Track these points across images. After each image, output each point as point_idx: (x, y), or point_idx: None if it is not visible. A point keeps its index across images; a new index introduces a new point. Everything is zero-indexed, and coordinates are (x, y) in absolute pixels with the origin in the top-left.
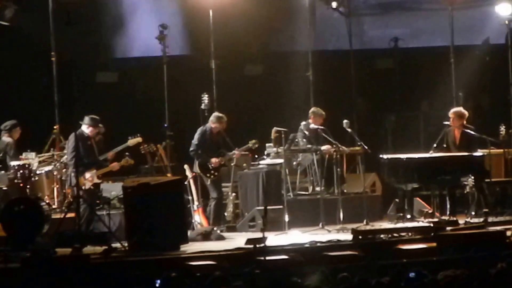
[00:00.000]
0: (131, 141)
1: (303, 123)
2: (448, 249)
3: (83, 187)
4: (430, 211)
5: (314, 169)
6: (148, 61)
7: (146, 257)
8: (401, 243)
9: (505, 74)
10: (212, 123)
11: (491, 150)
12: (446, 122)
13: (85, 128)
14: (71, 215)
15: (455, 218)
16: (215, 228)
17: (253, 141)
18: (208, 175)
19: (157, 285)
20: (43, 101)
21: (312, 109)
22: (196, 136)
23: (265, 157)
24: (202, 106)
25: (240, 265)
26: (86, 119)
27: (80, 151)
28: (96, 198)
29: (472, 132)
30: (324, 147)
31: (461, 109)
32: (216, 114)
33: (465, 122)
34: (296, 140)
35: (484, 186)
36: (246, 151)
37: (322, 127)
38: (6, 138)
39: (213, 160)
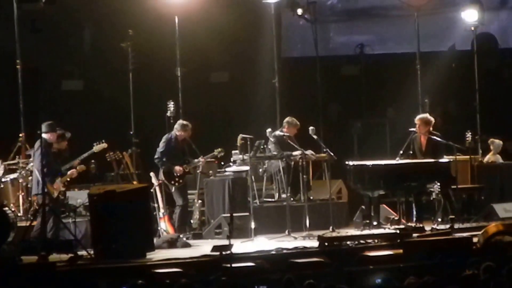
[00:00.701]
0: (97, 147)
1: (269, 130)
2: (415, 255)
3: (52, 195)
4: (396, 218)
5: (280, 176)
6: (113, 69)
7: (112, 264)
8: (368, 250)
9: (471, 81)
10: (177, 130)
11: (458, 157)
12: (412, 129)
13: (45, 136)
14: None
15: (421, 225)
16: (181, 236)
17: (219, 149)
18: (172, 182)
19: None
20: (8, 109)
21: (287, 119)
22: (161, 144)
23: (231, 164)
24: (168, 114)
25: (206, 272)
26: (43, 126)
27: (48, 159)
28: (61, 206)
29: (438, 139)
30: (296, 153)
31: (427, 115)
32: (180, 122)
33: (431, 128)
34: (262, 147)
35: (450, 193)
36: (211, 158)
37: (287, 134)
38: None
39: (177, 168)
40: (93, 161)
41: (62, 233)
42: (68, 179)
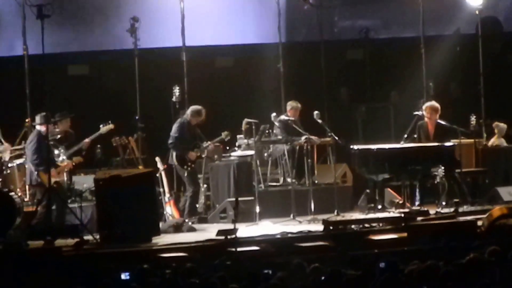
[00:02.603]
0: (104, 129)
1: (273, 114)
2: (419, 239)
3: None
4: (400, 202)
5: (285, 160)
6: (119, 54)
7: (117, 249)
8: (372, 233)
9: (475, 64)
10: (191, 116)
11: (462, 140)
12: (417, 113)
13: (39, 128)
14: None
15: (425, 209)
16: (186, 220)
17: (226, 132)
18: (185, 167)
19: (124, 277)
20: (15, 94)
21: (290, 102)
22: (175, 128)
23: (236, 148)
24: (173, 99)
25: (211, 256)
26: (37, 118)
27: (42, 150)
28: (56, 195)
29: (445, 123)
30: (303, 138)
31: (435, 103)
32: (195, 107)
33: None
34: (267, 131)
35: (457, 176)
36: (218, 142)
37: (292, 118)
38: None
39: (191, 154)
40: (98, 146)
41: (68, 217)
42: (67, 170)
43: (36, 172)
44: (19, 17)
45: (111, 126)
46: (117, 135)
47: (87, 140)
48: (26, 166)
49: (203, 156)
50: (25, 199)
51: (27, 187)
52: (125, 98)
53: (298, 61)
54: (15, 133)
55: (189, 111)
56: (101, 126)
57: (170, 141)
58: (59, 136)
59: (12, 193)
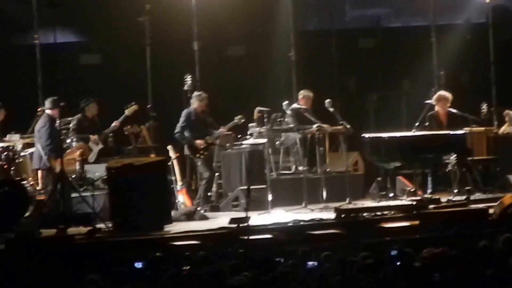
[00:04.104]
0: (129, 110)
1: (285, 103)
2: (431, 227)
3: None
4: (412, 190)
5: (297, 148)
6: (131, 43)
7: (130, 237)
8: (384, 221)
9: (486, 53)
10: (194, 103)
11: (473, 128)
12: (428, 101)
13: (49, 112)
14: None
15: (437, 196)
16: (198, 208)
17: (239, 116)
18: (197, 155)
19: (138, 266)
20: (26, 84)
21: (302, 91)
22: (182, 118)
23: (248, 137)
24: (185, 87)
25: (223, 244)
26: (47, 102)
27: (52, 135)
28: (78, 179)
29: (456, 111)
30: (315, 126)
31: (446, 92)
32: (195, 93)
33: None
34: (279, 120)
35: (469, 164)
36: (232, 127)
37: (304, 107)
38: None
39: (198, 141)
40: (111, 134)
41: (80, 206)
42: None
43: (46, 157)
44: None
45: (135, 106)
46: (129, 124)
47: (116, 123)
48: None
49: (216, 143)
50: (38, 188)
51: (39, 174)
52: (137, 87)
53: (309, 50)
54: (28, 122)
55: (192, 100)
56: (125, 108)
57: (176, 131)
58: (71, 124)
59: (24, 182)
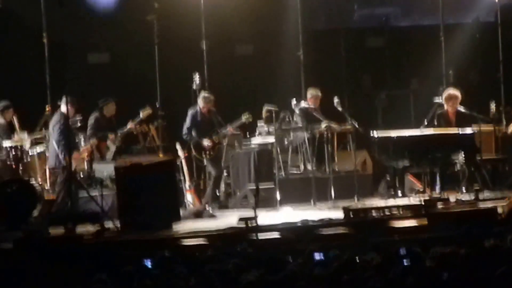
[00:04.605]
0: (143, 114)
1: (293, 102)
2: (440, 226)
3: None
4: (421, 189)
5: (305, 147)
6: (139, 42)
7: (138, 236)
8: (393, 220)
9: (495, 52)
10: (200, 104)
11: (482, 127)
12: (437, 100)
13: (64, 110)
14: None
15: (446, 195)
16: (207, 207)
17: (246, 114)
18: (204, 155)
19: (147, 264)
20: (34, 82)
21: (310, 90)
22: (188, 119)
23: (256, 136)
24: (194, 86)
25: (232, 243)
26: (62, 100)
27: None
28: (86, 178)
29: (464, 110)
30: (324, 125)
31: (455, 90)
32: (201, 94)
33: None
34: (287, 119)
35: (478, 163)
36: (239, 126)
37: (312, 106)
38: None
39: (205, 142)
40: (105, 133)
41: (89, 205)
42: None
43: (62, 155)
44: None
45: (149, 110)
46: (138, 123)
47: (131, 125)
48: (47, 149)
49: (224, 144)
50: (46, 187)
51: (47, 174)
52: (145, 86)
53: (318, 49)
54: (36, 121)
55: (198, 100)
56: (140, 110)
57: (183, 132)
58: (79, 124)
59: (33, 181)
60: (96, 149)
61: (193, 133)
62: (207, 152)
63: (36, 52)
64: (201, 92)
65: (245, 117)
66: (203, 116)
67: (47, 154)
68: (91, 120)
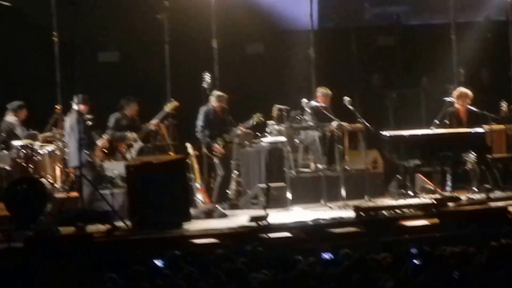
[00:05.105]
0: (168, 107)
1: (304, 100)
2: (450, 225)
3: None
4: (432, 188)
5: (316, 146)
6: (149, 40)
7: (149, 235)
8: (404, 219)
9: (506, 50)
10: (213, 102)
11: (493, 126)
12: (447, 99)
13: (77, 108)
14: (74, 194)
15: (457, 194)
16: (217, 206)
17: (258, 114)
18: (214, 153)
19: (158, 263)
20: (45, 81)
21: (320, 89)
22: (200, 116)
23: (266, 134)
24: (204, 85)
25: (242, 242)
26: (76, 99)
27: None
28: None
29: (475, 109)
30: (334, 124)
31: (465, 89)
32: (215, 93)
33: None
34: (298, 117)
35: (489, 162)
36: (251, 126)
37: (323, 105)
38: (10, 118)
39: (216, 147)
40: (123, 133)
41: (99, 204)
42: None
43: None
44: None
45: (175, 103)
46: (148, 122)
47: (155, 121)
48: (58, 148)
49: (234, 142)
50: (56, 186)
51: (58, 172)
52: (155, 85)
53: (329, 47)
54: (46, 120)
55: (211, 98)
56: (165, 105)
57: (196, 129)
58: (90, 123)
59: (43, 180)
60: (116, 149)
61: (206, 132)
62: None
63: (46, 51)
64: (213, 90)
65: (256, 117)
66: (216, 114)
67: (57, 153)
68: (111, 120)
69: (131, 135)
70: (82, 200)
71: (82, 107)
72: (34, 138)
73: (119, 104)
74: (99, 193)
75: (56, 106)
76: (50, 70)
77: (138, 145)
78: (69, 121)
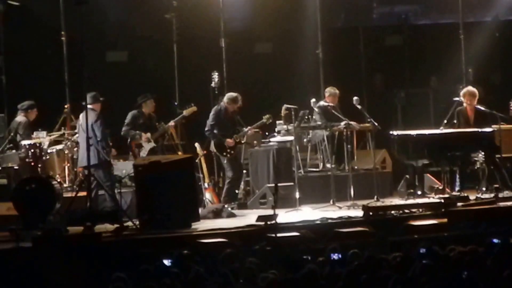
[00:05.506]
0: (187, 111)
1: (313, 100)
2: (459, 225)
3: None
4: (440, 187)
5: (324, 146)
6: (158, 40)
7: (157, 235)
8: (412, 219)
9: None
10: (227, 104)
11: (502, 126)
12: (456, 99)
13: (92, 107)
14: (82, 193)
15: (465, 194)
16: (226, 206)
17: (267, 115)
18: (224, 154)
19: (166, 262)
20: (53, 80)
21: (329, 88)
22: (211, 116)
23: (275, 134)
24: (212, 84)
25: (251, 242)
26: (89, 98)
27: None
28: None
29: (484, 109)
30: (343, 123)
31: (473, 88)
32: (230, 94)
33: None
34: (307, 117)
35: (497, 162)
36: (260, 127)
37: (332, 104)
38: (20, 118)
39: (228, 140)
40: (137, 132)
41: (108, 203)
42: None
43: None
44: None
45: (194, 108)
46: (157, 121)
47: (171, 123)
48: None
49: (243, 142)
50: (65, 185)
51: (66, 171)
52: (163, 84)
53: (337, 47)
54: (54, 119)
55: (225, 98)
56: (184, 110)
57: (206, 129)
58: (126, 120)
59: (51, 179)
60: (129, 148)
61: (215, 131)
62: (228, 151)
63: (55, 50)
64: (227, 92)
65: (266, 118)
66: (227, 114)
67: (66, 152)
68: (128, 117)
69: (145, 135)
70: (91, 200)
71: (97, 106)
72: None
73: (136, 102)
74: (108, 192)
75: (65, 106)
76: (59, 70)
77: (150, 145)
78: (89, 120)
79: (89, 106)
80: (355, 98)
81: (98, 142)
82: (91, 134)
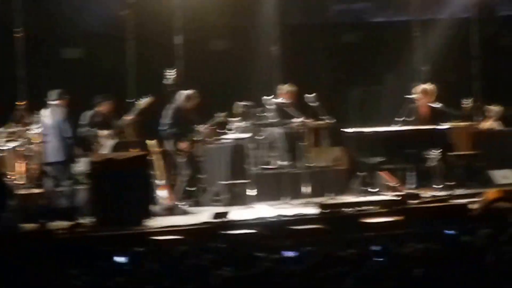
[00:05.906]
0: (143, 103)
1: (265, 97)
2: (414, 222)
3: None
4: (395, 185)
5: (279, 143)
6: (112, 37)
7: (112, 232)
8: (368, 216)
9: (469, 48)
10: (183, 102)
11: (455, 123)
12: (410, 96)
13: (56, 103)
14: (38, 190)
15: (419, 192)
16: (178, 204)
17: (223, 113)
18: (179, 152)
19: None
20: (5, 77)
21: (285, 86)
22: (167, 114)
23: (230, 131)
24: (167, 82)
25: (205, 239)
26: (53, 95)
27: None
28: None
29: (438, 107)
30: (298, 121)
31: (426, 85)
32: (188, 92)
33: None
34: (262, 114)
35: (452, 159)
36: (216, 124)
37: (288, 101)
38: None
39: (182, 144)
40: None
41: (62, 200)
42: None
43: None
44: None
45: (149, 99)
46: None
47: (128, 117)
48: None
49: (199, 139)
50: (20, 182)
51: (21, 168)
52: (119, 81)
53: (293, 44)
54: (7, 116)
55: (181, 97)
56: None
57: (163, 128)
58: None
59: (4, 176)
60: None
61: (171, 130)
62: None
63: (8, 46)
64: (187, 91)
65: (222, 116)
66: (182, 113)
67: (20, 149)
68: (85, 118)
69: (101, 132)
70: (47, 196)
71: (62, 102)
72: None
73: (92, 100)
74: (67, 189)
75: (19, 103)
76: (12, 66)
77: (111, 142)
78: (55, 116)
79: (54, 102)
80: (310, 95)
81: (67, 138)
82: (59, 130)
